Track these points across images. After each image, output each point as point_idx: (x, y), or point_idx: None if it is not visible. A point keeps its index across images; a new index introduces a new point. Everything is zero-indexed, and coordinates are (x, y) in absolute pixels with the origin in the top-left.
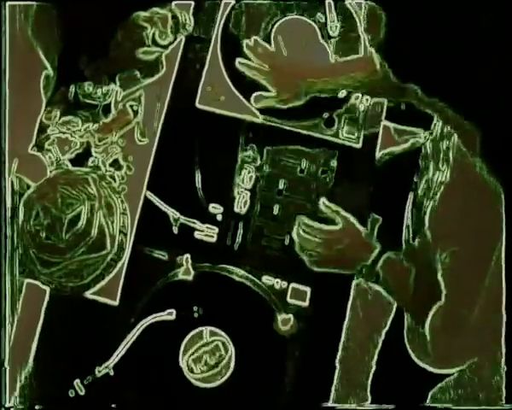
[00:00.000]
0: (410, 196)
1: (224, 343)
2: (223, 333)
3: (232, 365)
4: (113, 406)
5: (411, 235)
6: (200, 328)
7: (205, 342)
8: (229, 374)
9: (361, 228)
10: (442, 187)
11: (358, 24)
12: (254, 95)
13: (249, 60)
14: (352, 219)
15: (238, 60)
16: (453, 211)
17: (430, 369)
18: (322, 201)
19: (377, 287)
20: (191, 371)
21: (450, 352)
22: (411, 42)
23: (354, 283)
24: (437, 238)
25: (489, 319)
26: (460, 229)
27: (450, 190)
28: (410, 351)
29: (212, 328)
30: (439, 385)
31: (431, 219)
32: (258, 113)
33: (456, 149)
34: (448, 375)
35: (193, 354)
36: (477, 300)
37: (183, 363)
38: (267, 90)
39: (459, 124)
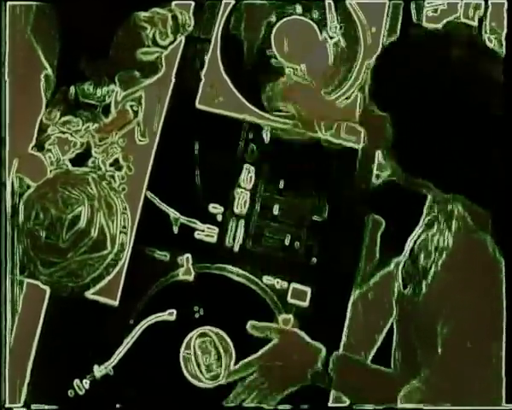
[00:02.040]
0: (409, 243)
1: (224, 343)
2: (223, 333)
3: (232, 365)
4: (118, 406)
5: (405, 284)
6: (201, 328)
7: (206, 341)
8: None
9: (299, 333)
10: (444, 254)
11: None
12: None
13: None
14: (288, 327)
15: None
16: (456, 283)
17: None
18: (249, 324)
19: (333, 391)
20: (191, 370)
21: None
22: (419, 139)
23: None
24: (437, 309)
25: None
26: (463, 304)
27: (453, 260)
28: None
29: (213, 328)
30: None
31: (433, 286)
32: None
33: (460, 219)
34: None
35: (193, 353)
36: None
37: (182, 363)
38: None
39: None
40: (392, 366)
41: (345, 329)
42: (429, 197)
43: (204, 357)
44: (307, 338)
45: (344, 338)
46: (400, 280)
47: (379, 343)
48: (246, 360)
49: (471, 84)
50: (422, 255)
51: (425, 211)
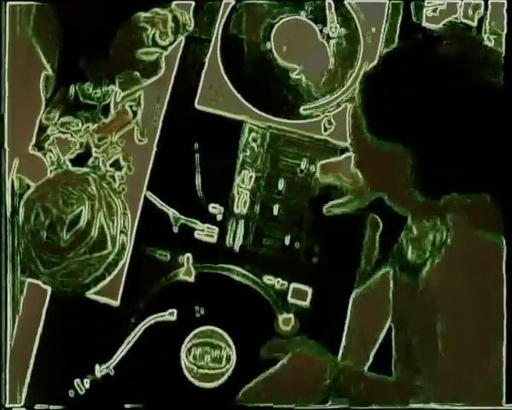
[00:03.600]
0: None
1: (224, 343)
2: (224, 333)
3: (233, 364)
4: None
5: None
6: (202, 328)
7: (206, 341)
8: (229, 374)
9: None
10: (443, 250)
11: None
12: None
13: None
14: (297, 343)
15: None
16: (455, 278)
17: None
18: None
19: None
20: (192, 370)
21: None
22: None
23: (355, 282)
24: (436, 305)
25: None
26: (463, 297)
27: (451, 256)
28: None
29: (214, 328)
30: None
31: (429, 282)
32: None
33: (456, 213)
34: None
35: (194, 353)
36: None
37: (183, 363)
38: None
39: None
40: (392, 367)
41: (345, 329)
42: None
43: (205, 357)
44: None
45: (343, 340)
46: (394, 275)
47: (379, 342)
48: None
49: (473, 87)
50: (415, 251)
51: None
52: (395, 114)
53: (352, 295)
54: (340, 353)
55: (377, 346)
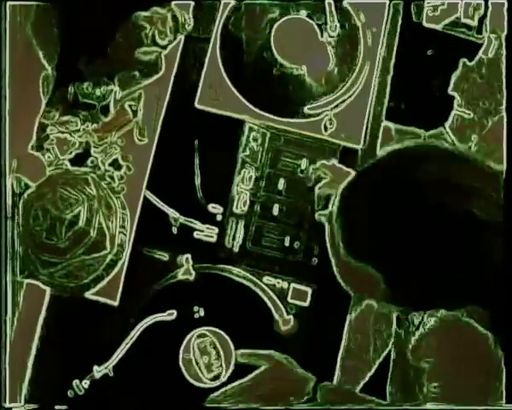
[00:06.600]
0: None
1: (224, 343)
2: (223, 333)
3: (232, 365)
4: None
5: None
6: (202, 328)
7: (205, 341)
8: (229, 374)
9: (290, 363)
10: (433, 320)
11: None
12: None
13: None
14: (277, 354)
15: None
16: (444, 344)
17: None
18: (238, 353)
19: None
20: (191, 371)
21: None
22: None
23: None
24: (425, 368)
25: None
26: (451, 364)
27: (440, 333)
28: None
29: (213, 328)
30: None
31: (420, 345)
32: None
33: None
34: None
35: (193, 354)
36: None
37: (182, 364)
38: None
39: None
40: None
41: (345, 330)
42: None
43: (204, 357)
44: (297, 366)
45: (344, 340)
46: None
47: (376, 366)
48: (234, 385)
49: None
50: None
51: None
52: (367, 235)
53: (349, 318)
54: (340, 354)
55: (373, 369)
